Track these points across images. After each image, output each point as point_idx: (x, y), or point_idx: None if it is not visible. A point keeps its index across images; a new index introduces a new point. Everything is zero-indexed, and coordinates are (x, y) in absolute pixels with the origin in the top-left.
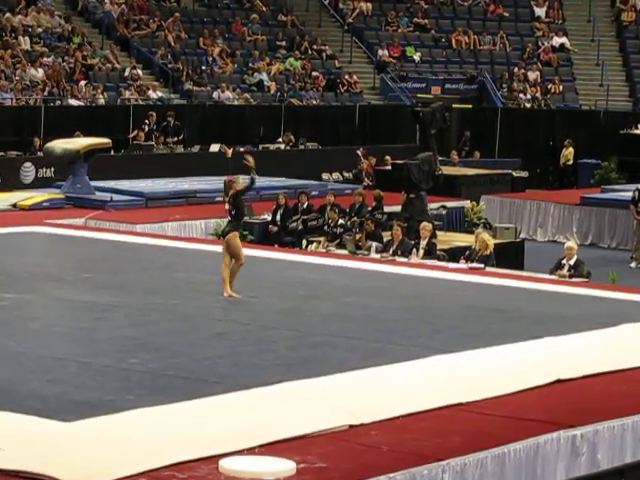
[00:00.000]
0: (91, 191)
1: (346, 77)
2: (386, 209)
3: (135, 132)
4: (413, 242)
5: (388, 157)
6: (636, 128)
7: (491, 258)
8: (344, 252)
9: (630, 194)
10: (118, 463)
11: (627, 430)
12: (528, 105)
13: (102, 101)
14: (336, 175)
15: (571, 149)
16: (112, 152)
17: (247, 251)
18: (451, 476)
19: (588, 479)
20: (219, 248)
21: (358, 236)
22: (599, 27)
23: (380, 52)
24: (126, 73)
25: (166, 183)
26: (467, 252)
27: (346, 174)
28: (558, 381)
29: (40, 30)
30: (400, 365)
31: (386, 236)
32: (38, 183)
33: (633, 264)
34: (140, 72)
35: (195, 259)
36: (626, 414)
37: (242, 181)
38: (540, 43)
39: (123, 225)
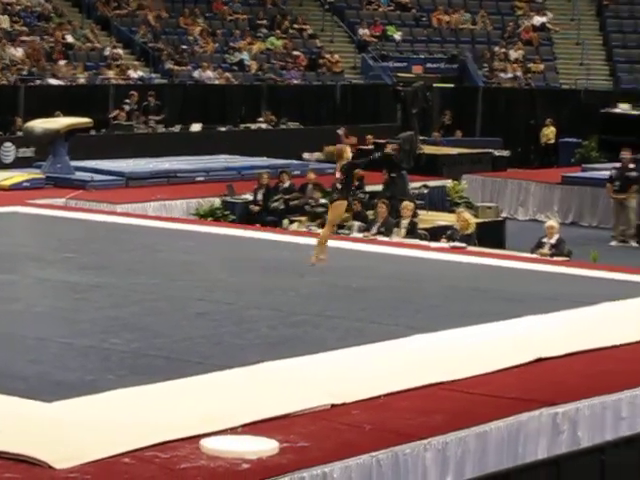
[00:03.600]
0: (71, 171)
1: (327, 56)
2: (367, 189)
3: (116, 112)
4: (395, 221)
5: (370, 136)
6: (616, 107)
7: (472, 237)
8: None
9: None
10: (99, 443)
11: (607, 408)
12: (509, 84)
13: (82, 81)
14: (317, 154)
15: (552, 128)
16: (92, 132)
17: (228, 231)
18: (433, 454)
19: (569, 457)
20: (200, 228)
21: (344, 215)
22: (579, 6)
23: (361, 31)
24: (106, 52)
25: (147, 163)
26: (449, 231)
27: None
28: (539, 360)
29: (20, 9)
30: (382, 344)
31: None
32: (18, 163)
33: (613, 242)
34: (121, 51)
35: (176, 239)
36: (606, 392)
37: (349, 150)
38: (521, 22)
39: (104, 205)
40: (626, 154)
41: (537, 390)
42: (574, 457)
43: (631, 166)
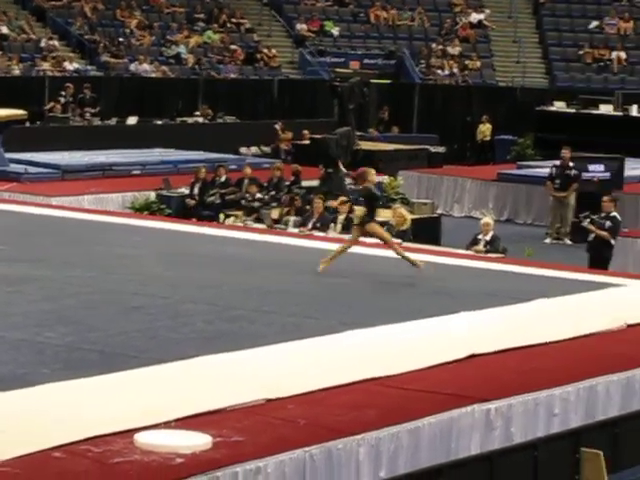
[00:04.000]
0: (6, 163)
1: (265, 51)
2: (304, 183)
3: (51, 104)
4: (331, 216)
5: (306, 131)
6: (552, 105)
7: (408, 233)
8: (262, 226)
9: (546, 170)
10: (32, 437)
11: (540, 404)
12: (446, 81)
13: (17, 72)
14: (254, 149)
15: (488, 125)
16: (27, 124)
17: (164, 225)
18: (366, 450)
19: (502, 453)
20: (136, 222)
21: (286, 209)
22: (516, 4)
23: (299, 26)
24: (42, 44)
25: (82, 156)
26: (384, 227)
27: (264, 148)
28: (473, 356)
29: None
30: (316, 340)
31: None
32: None
33: (548, 240)
34: (56, 43)
35: (112, 233)
36: (539, 388)
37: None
38: (458, 19)
39: (39, 198)
40: (566, 152)
41: (470, 386)
42: (507, 453)
43: (571, 164)
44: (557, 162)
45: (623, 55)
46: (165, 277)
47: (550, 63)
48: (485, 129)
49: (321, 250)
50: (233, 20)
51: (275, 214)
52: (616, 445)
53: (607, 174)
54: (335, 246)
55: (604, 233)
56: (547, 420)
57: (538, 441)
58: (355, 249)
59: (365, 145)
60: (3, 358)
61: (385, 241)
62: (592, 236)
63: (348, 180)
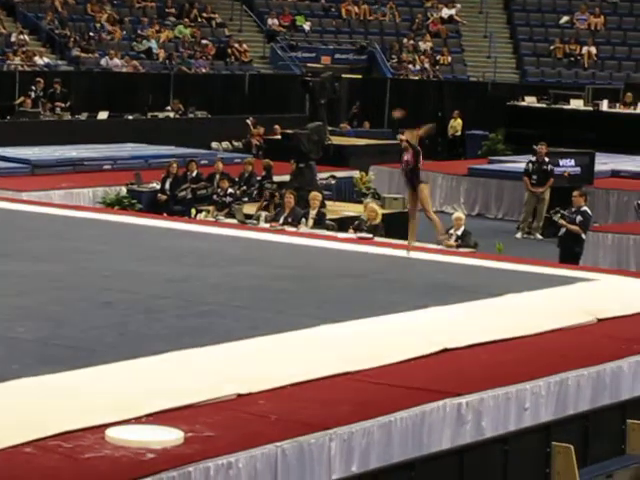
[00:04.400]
0: None
1: (236, 46)
2: (275, 179)
3: (21, 99)
4: (303, 211)
5: (277, 126)
6: (523, 100)
7: (380, 228)
8: (233, 221)
9: (517, 165)
10: (2, 432)
11: (511, 399)
12: (417, 76)
13: None
14: (226, 144)
15: (459, 120)
16: None
17: (135, 220)
18: (338, 445)
19: (473, 447)
20: (107, 217)
21: (265, 204)
22: None
23: (270, 21)
24: (12, 39)
25: (53, 151)
26: (356, 222)
27: (236, 143)
28: (444, 350)
29: None
30: (288, 334)
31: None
32: None
33: (519, 234)
34: (27, 38)
35: (83, 228)
36: (510, 383)
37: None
38: (429, 14)
39: (9, 192)
40: (542, 148)
41: (442, 381)
42: (478, 447)
43: (546, 159)
44: (532, 157)
45: (594, 50)
46: (136, 272)
47: (521, 58)
48: (456, 124)
49: (292, 245)
50: (204, 15)
51: (248, 209)
52: (587, 439)
53: (577, 169)
54: (306, 241)
55: (575, 228)
56: (518, 414)
57: (509, 435)
58: (327, 244)
59: (336, 140)
60: None
61: (425, 208)
62: (563, 231)
63: (321, 174)
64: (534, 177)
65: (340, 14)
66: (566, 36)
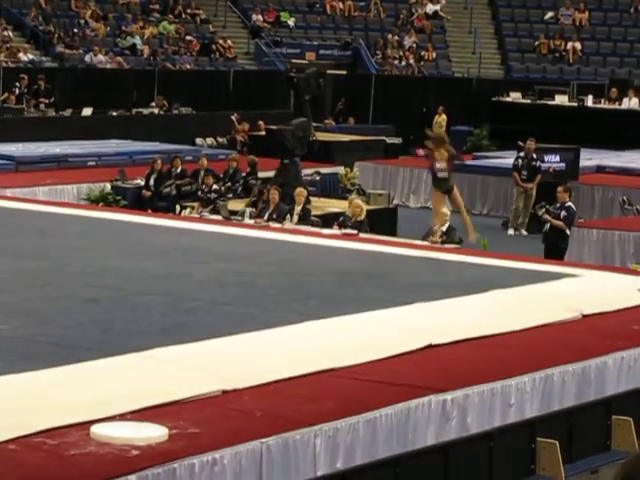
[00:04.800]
0: None
1: (220, 42)
2: (260, 175)
3: (5, 95)
4: (288, 208)
5: (262, 122)
6: (507, 96)
7: (364, 224)
8: (218, 218)
9: (502, 161)
10: None
11: (496, 395)
12: (402, 72)
13: None
14: (210, 140)
15: (444, 116)
16: None
17: (120, 216)
18: (323, 441)
19: (458, 443)
20: (91, 213)
21: (253, 199)
22: None
23: (254, 17)
24: None
25: (37, 147)
26: (341, 218)
27: (220, 139)
28: (429, 346)
29: None
30: (273, 331)
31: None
32: None
33: (511, 231)
34: (11, 34)
35: (67, 224)
36: (495, 379)
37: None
38: (414, 10)
39: None
40: (531, 144)
41: (427, 377)
42: (463, 443)
43: (534, 155)
44: (521, 153)
45: (578, 46)
46: (121, 269)
47: (506, 54)
48: (441, 120)
49: (277, 241)
50: (188, 11)
51: (233, 205)
52: (572, 435)
53: (562, 164)
54: (291, 237)
55: (559, 223)
56: (503, 410)
57: (494, 431)
58: (312, 240)
59: (321, 136)
60: None
61: (460, 209)
62: (547, 226)
63: (305, 170)
64: (524, 173)
65: (325, 10)
66: (551, 32)
